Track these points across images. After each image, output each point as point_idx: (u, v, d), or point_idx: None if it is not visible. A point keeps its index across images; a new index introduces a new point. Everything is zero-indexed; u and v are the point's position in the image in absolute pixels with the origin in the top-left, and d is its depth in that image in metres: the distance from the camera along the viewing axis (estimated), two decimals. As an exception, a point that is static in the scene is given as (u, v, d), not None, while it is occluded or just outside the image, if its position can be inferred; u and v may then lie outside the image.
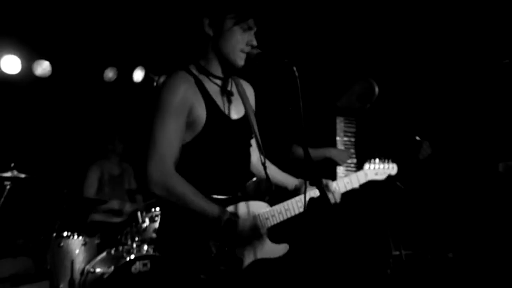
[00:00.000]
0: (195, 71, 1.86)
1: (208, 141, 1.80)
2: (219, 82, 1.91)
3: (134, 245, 3.87)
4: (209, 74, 1.88)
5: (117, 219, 4.74)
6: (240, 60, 1.84)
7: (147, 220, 4.04)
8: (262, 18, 1.83)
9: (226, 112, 1.88)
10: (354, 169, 3.16)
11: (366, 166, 2.21)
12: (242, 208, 1.83)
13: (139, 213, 4.05)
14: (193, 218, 1.73)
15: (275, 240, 1.89)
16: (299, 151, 3.02)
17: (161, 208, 1.90)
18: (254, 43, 1.83)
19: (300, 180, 2.07)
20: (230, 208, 1.81)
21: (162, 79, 5.80)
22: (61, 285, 3.76)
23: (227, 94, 1.91)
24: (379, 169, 2.23)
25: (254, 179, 1.93)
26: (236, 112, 1.92)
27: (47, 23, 4.71)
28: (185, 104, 1.76)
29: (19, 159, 3.77)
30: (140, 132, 5.47)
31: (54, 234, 3.83)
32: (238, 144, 1.91)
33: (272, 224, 1.88)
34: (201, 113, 1.79)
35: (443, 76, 4.52)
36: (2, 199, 3.60)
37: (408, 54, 4.38)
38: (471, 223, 5.71)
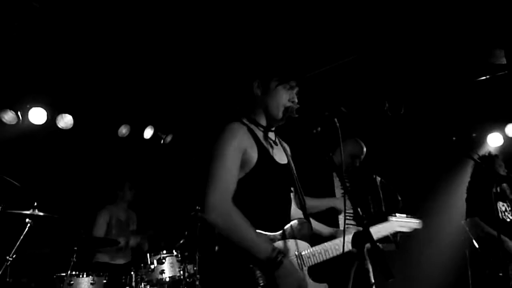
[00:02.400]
0: (246, 122, 1.93)
1: (257, 178, 1.82)
2: (265, 133, 1.97)
3: (142, 285, 3.65)
4: (258, 125, 1.95)
5: (121, 261, 4.51)
6: (283, 114, 1.91)
7: (155, 261, 3.85)
8: (303, 79, 1.92)
9: (273, 156, 1.92)
10: (352, 217, 3.15)
11: (393, 218, 2.20)
12: (290, 246, 1.80)
13: (148, 255, 3.86)
14: (242, 249, 1.69)
15: (316, 279, 1.83)
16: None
17: (216, 242, 1.78)
18: (295, 100, 1.93)
19: (334, 228, 2.07)
20: (279, 245, 1.77)
21: (168, 138, 5.84)
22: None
23: (272, 143, 1.96)
24: (403, 222, 2.22)
25: (296, 221, 1.88)
26: (280, 159, 1.96)
27: (73, 81, 4.75)
28: (240, 147, 1.79)
29: (41, 200, 3.60)
30: (148, 182, 5.42)
31: (67, 273, 3.57)
32: (282, 185, 1.92)
33: (313, 263, 1.84)
34: (253, 154, 1.82)
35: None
36: (23, 235, 3.37)
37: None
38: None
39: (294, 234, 1.83)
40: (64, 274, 3.55)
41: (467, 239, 4.18)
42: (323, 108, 1.77)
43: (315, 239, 1.92)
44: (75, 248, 3.69)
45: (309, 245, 1.87)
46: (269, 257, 1.66)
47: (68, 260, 3.65)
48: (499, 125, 5.23)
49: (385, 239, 3.03)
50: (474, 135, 5.36)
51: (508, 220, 3.77)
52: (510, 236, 3.64)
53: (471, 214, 3.74)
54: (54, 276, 3.63)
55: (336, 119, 1.71)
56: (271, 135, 1.99)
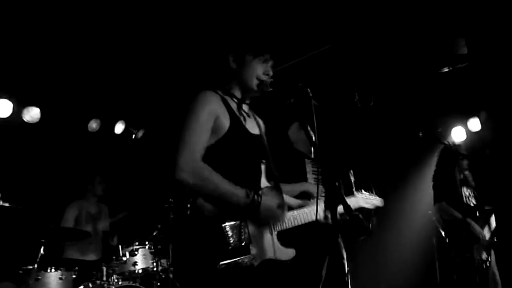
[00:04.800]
0: (220, 93, 1.94)
1: (228, 145, 1.84)
2: (237, 101, 1.98)
3: (114, 277, 3.56)
4: (232, 96, 1.97)
5: (91, 256, 4.39)
6: (258, 87, 1.94)
7: (127, 253, 3.77)
8: (277, 53, 1.95)
9: (246, 126, 1.94)
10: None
11: (359, 194, 2.25)
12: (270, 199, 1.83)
13: (119, 247, 3.78)
14: (217, 200, 1.71)
15: (285, 244, 1.86)
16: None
17: (188, 202, 1.80)
18: (270, 73, 1.96)
19: (304, 200, 2.10)
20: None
21: (140, 133, 5.76)
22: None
23: (246, 115, 1.98)
24: (368, 199, 2.27)
25: (265, 189, 1.90)
26: (252, 129, 1.98)
27: (41, 72, 4.61)
28: (212, 112, 1.82)
29: (6, 192, 3.46)
30: (120, 177, 5.31)
31: (34, 267, 3.44)
32: (253, 154, 1.93)
33: (281, 228, 1.86)
34: (225, 122, 1.84)
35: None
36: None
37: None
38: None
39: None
40: (31, 267, 3.41)
41: (434, 227, 4.34)
42: (296, 80, 1.81)
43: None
44: (43, 240, 3.56)
45: None
46: (247, 199, 1.71)
47: (35, 254, 3.52)
48: (462, 119, 5.47)
49: (358, 229, 3.10)
50: (439, 130, 5.57)
51: (472, 204, 3.94)
52: (474, 219, 3.81)
53: (438, 199, 3.88)
54: (20, 271, 3.49)
55: (309, 90, 1.75)
56: (245, 107, 2.01)
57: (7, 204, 3.36)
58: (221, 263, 1.64)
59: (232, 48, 1.98)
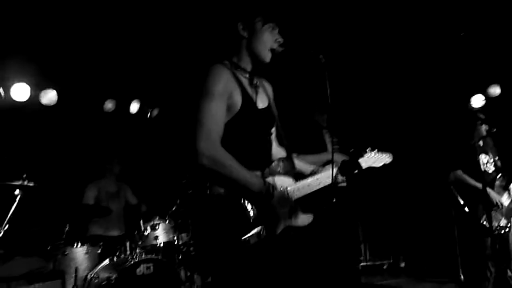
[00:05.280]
0: (230, 66, 1.93)
1: (240, 124, 1.85)
2: (248, 76, 1.98)
3: (137, 251, 3.68)
4: (240, 69, 1.96)
5: (115, 232, 4.54)
6: (269, 56, 1.93)
7: (148, 228, 3.88)
8: (285, 19, 1.93)
9: (256, 101, 1.94)
10: None
11: (366, 155, 2.19)
12: (278, 181, 1.84)
13: (141, 222, 3.89)
14: (235, 187, 1.73)
15: (303, 210, 1.87)
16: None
17: (205, 183, 1.82)
18: (281, 40, 1.93)
19: (316, 167, 2.10)
20: (269, 180, 1.81)
21: (155, 112, 5.82)
22: (67, 292, 3.49)
23: (254, 87, 1.97)
24: (375, 158, 2.22)
25: (276, 160, 1.91)
26: (261, 102, 1.98)
27: (56, 56, 4.66)
28: (226, 90, 1.80)
29: (30, 172, 3.58)
30: (137, 155, 5.41)
31: (61, 242, 3.59)
32: (262, 130, 1.95)
33: (298, 196, 1.87)
34: (238, 99, 1.84)
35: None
36: (14, 206, 3.36)
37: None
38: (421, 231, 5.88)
39: (277, 172, 1.87)
40: (58, 243, 3.55)
41: (452, 195, 4.31)
42: (308, 46, 1.78)
43: (299, 177, 1.96)
44: (67, 218, 3.69)
45: (293, 180, 1.91)
46: (262, 188, 1.72)
47: (61, 231, 3.66)
48: (482, 86, 5.33)
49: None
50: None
51: (490, 171, 3.88)
52: (491, 186, 3.77)
53: (454, 167, 3.84)
54: (48, 247, 3.64)
55: (321, 56, 1.73)
56: (254, 77, 1.99)
57: (32, 184, 3.48)
58: (243, 237, 1.68)
59: (239, 15, 1.94)
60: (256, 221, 1.71)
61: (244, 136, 1.86)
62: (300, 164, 2.09)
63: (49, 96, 4.95)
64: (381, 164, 2.25)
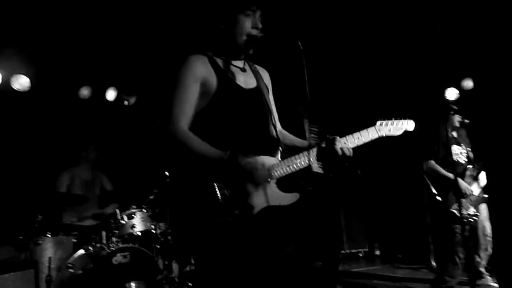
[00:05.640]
0: (209, 54, 1.95)
1: (220, 104, 1.86)
2: (232, 62, 1.98)
3: (114, 240, 3.64)
4: (223, 56, 1.97)
5: (90, 222, 4.45)
6: (247, 43, 1.92)
7: (125, 217, 3.83)
8: (263, 5, 1.92)
9: (237, 81, 1.94)
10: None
11: (378, 123, 2.07)
12: (259, 159, 1.83)
13: (117, 210, 3.84)
14: (205, 166, 1.75)
15: (287, 190, 1.87)
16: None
17: (176, 164, 1.86)
18: (259, 25, 1.93)
19: (303, 142, 2.09)
20: (250, 158, 1.81)
21: (132, 100, 5.71)
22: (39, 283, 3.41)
23: (240, 70, 1.98)
24: (393, 125, 2.08)
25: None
26: (246, 84, 1.97)
27: (30, 41, 4.50)
28: (197, 76, 1.86)
29: (2, 160, 3.47)
30: (114, 143, 5.32)
31: (33, 232, 3.50)
32: (249, 108, 1.93)
33: (281, 175, 1.87)
34: (213, 82, 1.87)
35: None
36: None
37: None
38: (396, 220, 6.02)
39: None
40: (30, 232, 3.47)
41: (425, 184, 4.42)
42: (286, 32, 1.78)
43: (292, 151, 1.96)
44: (39, 206, 3.59)
45: (276, 159, 1.91)
46: (222, 156, 1.75)
47: (33, 220, 3.57)
48: (456, 79, 5.46)
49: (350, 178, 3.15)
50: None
51: (462, 162, 4.00)
52: (462, 176, 3.89)
53: (427, 157, 3.93)
54: (20, 236, 3.55)
55: (300, 43, 1.73)
56: (238, 63, 1.99)
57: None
58: (217, 218, 1.68)
59: (217, 8, 1.95)
60: (229, 200, 1.72)
61: (225, 116, 1.86)
62: (294, 139, 2.10)
63: (22, 82, 4.79)
64: (400, 132, 2.12)
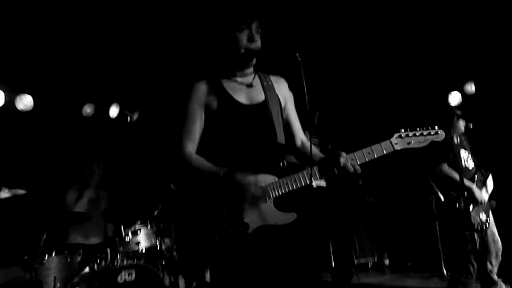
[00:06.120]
0: (214, 76, 2.01)
1: (219, 123, 1.92)
2: (237, 79, 2.00)
3: (118, 257, 3.60)
4: (228, 75, 2.01)
5: (95, 240, 4.42)
6: (245, 56, 1.92)
7: (129, 233, 3.80)
8: (256, 15, 1.93)
9: (238, 99, 1.94)
10: None
11: (396, 135, 1.90)
12: (249, 174, 1.83)
13: (122, 227, 3.81)
14: (206, 185, 1.80)
15: (285, 209, 1.84)
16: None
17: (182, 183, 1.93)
18: (255, 38, 1.93)
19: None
20: (250, 176, 1.82)
21: (135, 116, 5.74)
22: (44, 303, 3.38)
23: (246, 86, 1.99)
24: (415, 137, 1.89)
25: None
26: (250, 99, 1.97)
27: (31, 59, 4.54)
28: (200, 102, 1.96)
29: (5, 180, 3.47)
30: (118, 160, 5.32)
31: (38, 252, 3.48)
32: (248, 125, 1.92)
33: (278, 194, 1.84)
34: (214, 103, 1.95)
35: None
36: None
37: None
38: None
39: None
40: (38, 251, 3.44)
41: (433, 191, 4.35)
42: (284, 44, 1.77)
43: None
44: (45, 225, 3.58)
45: (275, 177, 1.87)
46: (217, 173, 1.81)
47: (39, 239, 3.55)
48: (459, 83, 5.43)
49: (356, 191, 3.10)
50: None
51: (470, 167, 3.93)
52: (472, 182, 3.81)
53: (439, 161, 3.84)
54: (25, 256, 3.52)
55: (297, 54, 1.72)
56: (246, 78, 2.01)
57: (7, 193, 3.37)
58: (217, 236, 1.71)
59: (213, 29, 2.00)
60: (227, 218, 1.74)
61: (225, 133, 1.89)
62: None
63: (25, 102, 4.82)
64: (426, 144, 1.91)
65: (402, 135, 1.90)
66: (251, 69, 2.02)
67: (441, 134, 1.92)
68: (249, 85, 1.99)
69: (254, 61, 1.96)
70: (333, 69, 4.62)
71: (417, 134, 1.90)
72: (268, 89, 2.02)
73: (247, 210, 1.78)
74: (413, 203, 5.69)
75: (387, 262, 6.36)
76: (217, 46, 2.00)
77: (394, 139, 1.89)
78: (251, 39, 1.91)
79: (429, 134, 1.91)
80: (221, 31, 1.97)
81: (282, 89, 2.08)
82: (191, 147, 1.94)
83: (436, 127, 1.92)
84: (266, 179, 1.85)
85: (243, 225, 1.75)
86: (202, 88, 1.97)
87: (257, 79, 2.03)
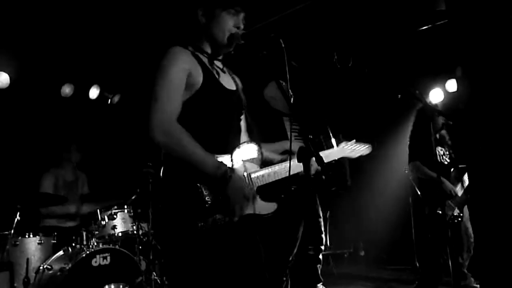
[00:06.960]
0: (191, 49, 1.89)
1: (203, 100, 1.79)
2: (209, 59, 1.93)
3: (93, 241, 3.56)
4: (203, 52, 1.92)
5: (71, 224, 4.35)
6: (228, 41, 1.87)
7: (106, 217, 3.76)
8: (247, 4, 1.89)
9: (221, 81, 1.89)
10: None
11: (342, 144, 2.19)
12: (239, 168, 1.80)
13: (98, 211, 3.76)
14: (191, 168, 1.68)
15: (266, 199, 1.85)
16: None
17: (163, 162, 1.79)
18: (241, 25, 1.89)
19: (286, 155, 2.05)
20: (238, 163, 1.79)
21: (116, 98, 5.63)
22: (15, 284, 3.32)
23: (220, 70, 1.93)
24: (352, 148, 2.20)
25: (244, 144, 1.86)
26: (228, 85, 1.93)
27: (8, 37, 4.38)
28: (184, 67, 1.77)
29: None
30: (96, 142, 5.22)
31: (11, 232, 3.40)
32: (229, 109, 1.89)
33: (261, 184, 1.84)
34: (198, 77, 1.80)
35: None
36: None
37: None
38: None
39: (242, 157, 1.84)
40: (7, 232, 3.37)
41: (410, 185, 4.44)
42: (269, 32, 1.75)
43: (267, 165, 1.92)
44: (19, 206, 3.50)
45: (258, 167, 1.88)
46: (217, 171, 1.67)
47: (11, 220, 3.47)
48: (440, 80, 5.51)
49: (334, 180, 3.14)
50: (417, 91, 5.54)
51: (446, 163, 4.03)
52: (447, 177, 3.91)
53: (412, 158, 3.95)
54: (-3, 236, 3.45)
55: (281, 40, 1.70)
56: (218, 63, 1.95)
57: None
58: (199, 223, 1.63)
59: (200, 2, 1.91)
60: (213, 206, 1.67)
61: (208, 113, 1.80)
62: (268, 152, 2.05)
63: (1, 79, 4.66)
64: (357, 155, 2.23)
65: (346, 146, 2.19)
66: (221, 56, 1.97)
67: (369, 149, 2.27)
68: (222, 70, 1.94)
69: (231, 48, 1.90)
70: (314, 59, 4.60)
71: (355, 147, 2.20)
72: (232, 77, 2.02)
73: (232, 198, 1.71)
74: (391, 195, 5.80)
75: (362, 253, 6.49)
76: (198, 21, 1.89)
77: (342, 147, 2.19)
78: (237, 25, 1.87)
79: (361, 148, 2.23)
80: (207, 6, 1.88)
81: (240, 85, 2.06)
82: (172, 112, 1.70)
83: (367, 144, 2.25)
84: (251, 168, 1.84)
85: (230, 211, 1.69)
86: (186, 54, 1.80)
87: (225, 68, 2.00)
